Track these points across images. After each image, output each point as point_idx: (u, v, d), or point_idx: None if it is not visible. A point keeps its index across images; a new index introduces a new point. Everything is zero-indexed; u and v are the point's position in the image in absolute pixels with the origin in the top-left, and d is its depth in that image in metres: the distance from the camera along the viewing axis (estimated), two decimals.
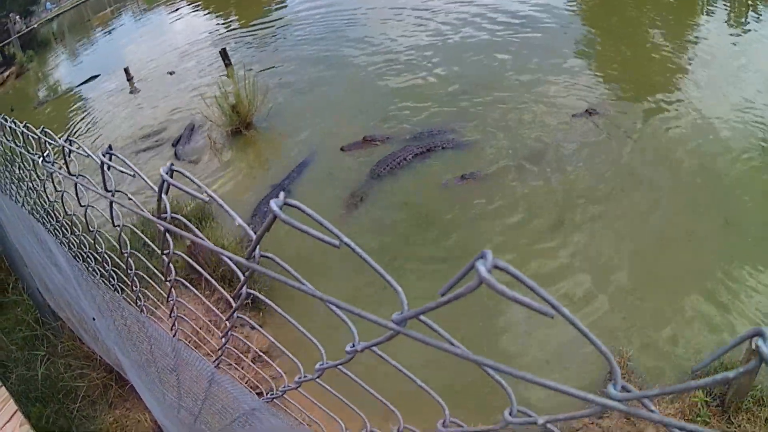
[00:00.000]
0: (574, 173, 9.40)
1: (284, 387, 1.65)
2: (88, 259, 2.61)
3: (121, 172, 1.34)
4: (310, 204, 0.82)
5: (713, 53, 12.50)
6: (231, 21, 19.18)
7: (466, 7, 15.74)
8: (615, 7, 15.55)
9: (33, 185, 2.86)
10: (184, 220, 1.33)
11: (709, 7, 14.50)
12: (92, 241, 2.31)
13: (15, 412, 4.61)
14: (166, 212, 1.24)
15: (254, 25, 18.02)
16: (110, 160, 1.39)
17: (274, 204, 0.85)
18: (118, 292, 2.42)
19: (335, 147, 10.76)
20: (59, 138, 1.81)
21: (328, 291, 0.91)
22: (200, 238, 1.10)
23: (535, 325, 6.92)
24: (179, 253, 1.81)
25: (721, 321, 6.86)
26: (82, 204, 1.99)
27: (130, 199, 1.55)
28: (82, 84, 17.92)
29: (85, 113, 15.70)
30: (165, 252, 1.56)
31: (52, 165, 1.96)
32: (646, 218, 8.32)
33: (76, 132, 14.53)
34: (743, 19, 13.79)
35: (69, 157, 1.74)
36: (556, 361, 6.61)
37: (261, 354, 4.60)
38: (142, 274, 2.20)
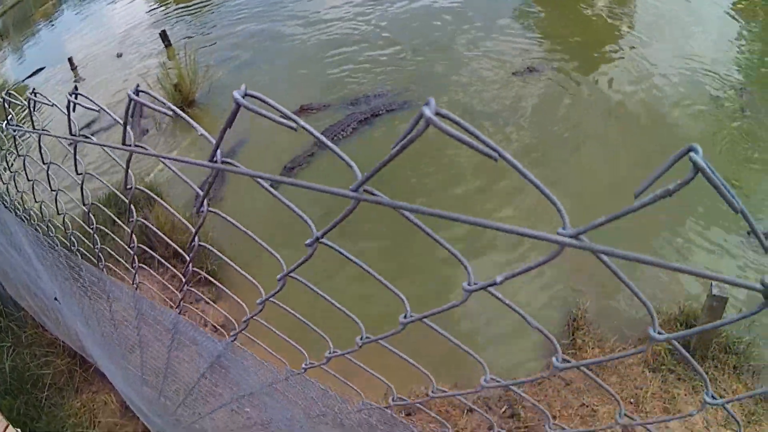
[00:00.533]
0: (523, 131, 9.58)
1: (237, 330, 1.67)
2: (49, 230, 2.57)
3: (87, 108, 1.33)
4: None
5: (661, 10, 12.70)
6: (169, 2, 18.93)
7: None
8: None
9: None
10: (148, 191, 1.37)
11: None
12: (54, 204, 2.28)
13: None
14: (130, 185, 1.27)
15: (192, 3, 17.82)
16: (76, 99, 1.38)
17: (237, 93, 0.84)
18: (78, 256, 2.40)
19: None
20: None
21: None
22: (166, 206, 1.12)
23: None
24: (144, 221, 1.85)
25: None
26: (45, 162, 1.97)
27: (98, 179, 1.55)
28: (28, 78, 17.54)
29: (34, 107, 15.35)
30: (130, 220, 1.59)
31: (15, 129, 1.94)
32: (597, 173, 8.50)
33: (24, 125, 14.18)
34: None
35: (34, 111, 1.73)
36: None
37: (217, 327, 4.59)
38: (104, 229, 2.18)
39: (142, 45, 16.14)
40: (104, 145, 1.27)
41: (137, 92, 1.05)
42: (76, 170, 1.65)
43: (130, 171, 1.26)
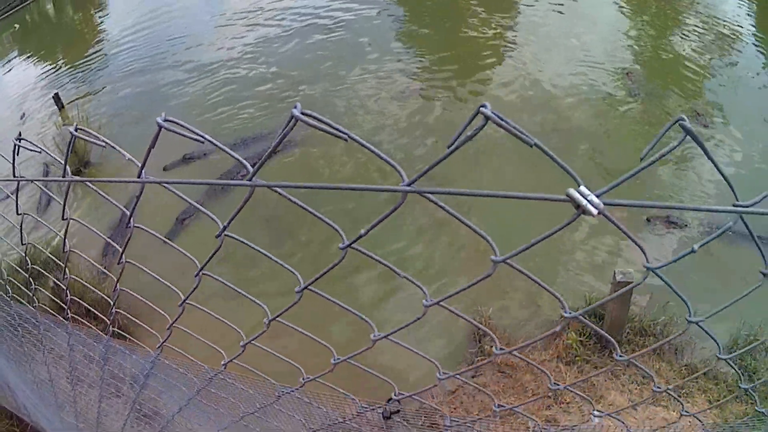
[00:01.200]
0: (420, 155, 9.80)
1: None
2: None
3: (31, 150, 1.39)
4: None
5: (543, 18, 13.30)
6: (59, 64, 18.49)
7: (280, 13, 15.76)
8: None
9: None
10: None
11: None
12: None
13: None
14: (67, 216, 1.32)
15: (82, 62, 17.45)
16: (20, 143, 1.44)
17: (159, 119, 1.01)
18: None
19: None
20: None
21: None
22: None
23: None
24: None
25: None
26: None
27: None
28: None
29: None
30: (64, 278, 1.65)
31: None
32: (503, 183, 8.83)
33: None
34: None
35: None
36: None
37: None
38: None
39: (37, 110, 15.72)
40: (41, 180, 1.36)
41: (76, 129, 1.15)
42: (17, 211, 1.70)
43: (66, 207, 1.30)
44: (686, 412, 1.75)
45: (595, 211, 0.77)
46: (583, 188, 0.78)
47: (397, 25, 14.02)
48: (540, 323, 6.77)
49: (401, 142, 10.07)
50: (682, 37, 12.22)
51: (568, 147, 8.97)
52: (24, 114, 15.95)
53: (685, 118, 0.79)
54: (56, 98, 14.46)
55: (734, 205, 0.82)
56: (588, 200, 0.77)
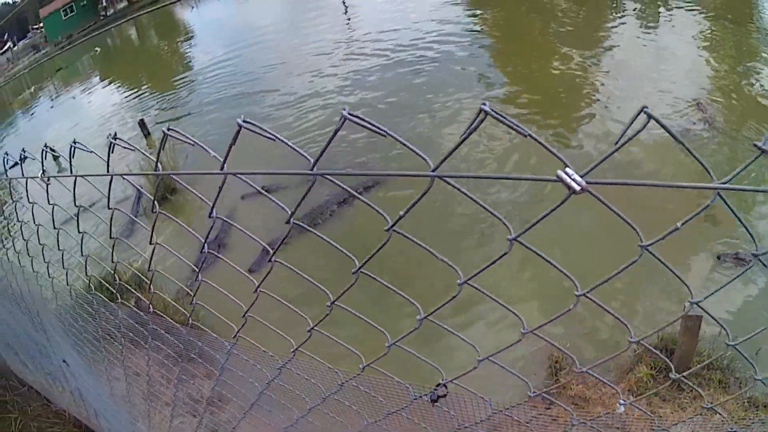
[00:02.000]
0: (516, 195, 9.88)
1: None
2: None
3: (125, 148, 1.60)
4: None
5: (627, 57, 13.26)
6: (143, 89, 19.19)
7: (375, 44, 16.09)
8: (520, 26, 16.05)
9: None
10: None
11: (620, 16, 15.16)
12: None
13: None
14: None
15: (167, 89, 18.08)
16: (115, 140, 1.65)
17: (239, 120, 1.21)
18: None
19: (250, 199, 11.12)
20: None
21: None
22: None
23: None
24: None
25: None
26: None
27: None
28: (6, 171, 17.55)
29: (14, 204, 15.37)
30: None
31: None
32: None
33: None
34: (655, 21, 14.64)
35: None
36: None
37: (215, 400, 4.76)
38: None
39: (121, 134, 16.34)
40: (133, 174, 1.55)
41: (168, 129, 1.35)
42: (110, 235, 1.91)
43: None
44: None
45: (577, 187, 0.90)
46: (568, 169, 0.92)
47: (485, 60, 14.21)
48: (614, 360, 6.71)
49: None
50: (758, 72, 12.05)
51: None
52: (109, 135, 16.69)
53: (648, 107, 0.90)
54: (141, 124, 15.02)
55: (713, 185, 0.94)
56: (572, 179, 0.91)
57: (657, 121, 0.90)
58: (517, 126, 0.96)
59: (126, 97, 19.18)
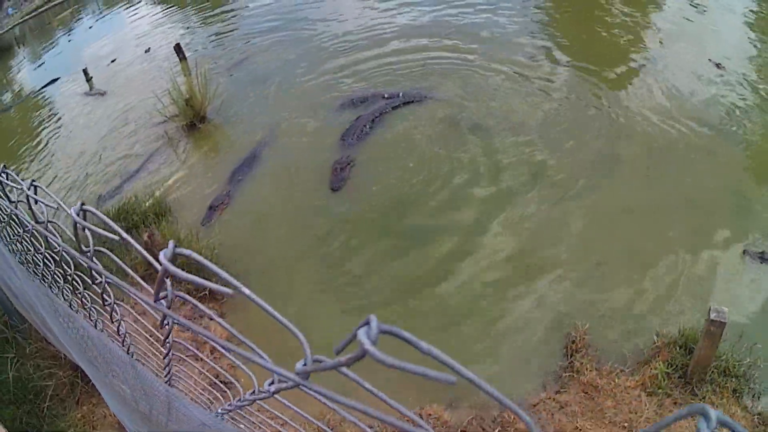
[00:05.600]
0: (552, 146, 9.59)
1: (232, 404, 1.66)
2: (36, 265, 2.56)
3: (47, 205, 1.36)
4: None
5: (678, 24, 12.65)
6: (188, 16, 19.00)
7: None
8: None
9: None
10: (109, 253, 1.35)
11: None
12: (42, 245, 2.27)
13: None
14: (88, 247, 1.25)
15: (210, 18, 17.88)
16: (35, 193, 1.41)
17: (162, 256, 0.90)
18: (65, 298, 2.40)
19: (291, 131, 11.06)
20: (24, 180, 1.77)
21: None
22: (124, 265, 1.12)
23: None
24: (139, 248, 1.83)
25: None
26: (26, 228, 1.96)
27: (55, 235, 1.53)
28: (43, 87, 17.53)
29: (47, 118, 15.38)
30: (86, 251, 1.54)
31: (16, 207, 1.94)
32: (616, 195, 8.49)
33: (39, 144, 13.97)
34: None
35: (35, 204, 1.73)
36: None
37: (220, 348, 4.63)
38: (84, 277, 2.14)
39: (157, 58, 16.13)
40: (64, 249, 1.30)
41: (82, 213, 1.09)
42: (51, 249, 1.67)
43: (88, 234, 1.21)
44: None
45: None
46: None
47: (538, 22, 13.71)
48: (631, 348, 6.54)
49: None
50: None
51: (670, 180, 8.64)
52: (149, 48, 16.60)
53: None
54: (177, 49, 14.78)
55: None
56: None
57: None
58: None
59: (169, 20, 19.03)
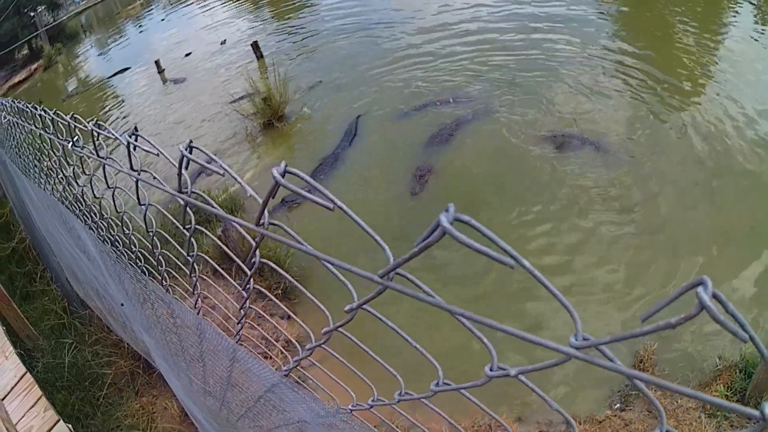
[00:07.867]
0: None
1: (297, 358, 1.66)
2: (116, 242, 2.60)
3: (146, 151, 1.39)
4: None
5: (741, 53, 12.27)
6: (263, 14, 19.15)
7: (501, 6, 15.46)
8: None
9: (62, 172, 2.86)
10: (204, 195, 1.37)
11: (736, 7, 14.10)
12: (120, 223, 2.32)
13: (39, 398, 4.70)
14: (186, 187, 1.28)
15: (287, 17, 17.98)
16: (136, 140, 1.44)
17: (275, 171, 0.90)
18: (145, 274, 2.43)
19: (370, 133, 11.10)
20: (88, 123, 1.82)
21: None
22: (215, 208, 1.14)
23: None
24: (211, 236, 1.85)
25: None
26: (110, 186, 2.01)
27: (155, 177, 1.56)
28: (111, 76, 17.86)
29: (115, 107, 15.75)
30: (186, 227, 1.60)
31: (81, 149, 1.98)
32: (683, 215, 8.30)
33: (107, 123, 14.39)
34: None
35: (97, 140, 1.77)
36: None
37: (292, 340, 4.65)
38: (168, 253, 2.19)
39: (232, 55, 16.30)
40: (164, 189, 1.33)
41: (189, 149, 1.11)
42: (139, 202, 1.70)
43: (184, 173, 1.24)
44: None
45: None
46: None
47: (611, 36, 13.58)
48: (695, 369, 6.43)
49: None
50: None
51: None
52: (225, 41, 16.85)
53: (707, 281, 0.59)
54: (255, 46, 14.96)
55: None
56: None
57: None
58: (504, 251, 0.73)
59: (244, 18, 19.22)
